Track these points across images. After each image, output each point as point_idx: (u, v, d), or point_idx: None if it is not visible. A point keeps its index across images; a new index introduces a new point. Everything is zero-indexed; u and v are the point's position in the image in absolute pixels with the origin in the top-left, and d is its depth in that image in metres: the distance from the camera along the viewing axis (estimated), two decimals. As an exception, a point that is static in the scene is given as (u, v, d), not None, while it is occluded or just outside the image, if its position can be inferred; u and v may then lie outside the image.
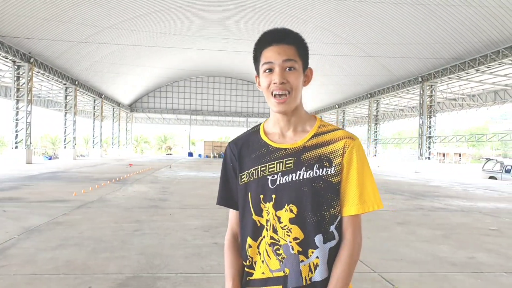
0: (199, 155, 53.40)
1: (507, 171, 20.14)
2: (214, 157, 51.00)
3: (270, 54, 1.19)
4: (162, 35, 30.29)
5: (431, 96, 26.35)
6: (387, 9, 21.38)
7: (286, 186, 1.17)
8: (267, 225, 1.18)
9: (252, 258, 1.21)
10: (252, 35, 30.68)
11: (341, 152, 1.17)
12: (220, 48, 35.73)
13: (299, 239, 1.15)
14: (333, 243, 1.16)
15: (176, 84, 54.11)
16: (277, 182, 1.18)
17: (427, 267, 4.31)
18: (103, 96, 40.59)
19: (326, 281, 1.14)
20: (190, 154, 54.67)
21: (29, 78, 24.17)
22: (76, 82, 32.63)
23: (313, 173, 1.16)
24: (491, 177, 21.30)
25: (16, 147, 24.27)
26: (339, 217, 1.17)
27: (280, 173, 1.18)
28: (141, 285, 3.54)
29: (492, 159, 25.53)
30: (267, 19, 27.92)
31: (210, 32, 31.40)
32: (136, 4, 24.21)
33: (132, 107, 54.34)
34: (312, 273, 1.14)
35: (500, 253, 5.03)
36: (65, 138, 33.00)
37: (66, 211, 7.24)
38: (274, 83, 1.18)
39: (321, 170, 1.16)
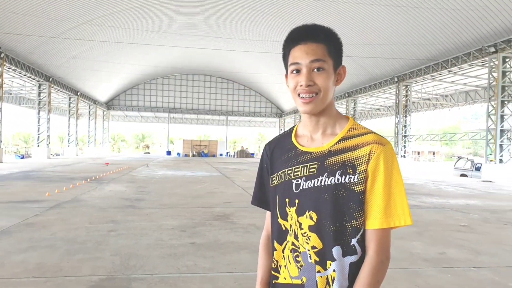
0: (178, 154, 52.94)
1: (477, 169, 20.79)
2: (193, 155, 50.66)
3: (298, 53, 1.13)
4: (140, 32, 29.85)
5: (406, 95, 27.00)
6: (365, 10, 21.73)
7: (308, 192, 1.12)
8: (290, 230, 1.15)
9: (277, 261, 1.19)
10: (232, 33, 30.64)
11: (367, 158, 1.08)
12: (199, 46, 35.51)
13: (317, 248, 1.09)
14: (353, 258, 1.08)
15: (154, 82, 53.42)
16: (301, 187, 1.13)
17: (400, 263, 4.41)
18: (79, 93, 39.70)
19: None
20: (169, 153, 54.11)
21: (-1, 75, 23.41)
22: (51, 79, 31.79)
23: (335, 180, 1.09)
24: (462, 175, 21.94)
25: (-14, 145, 23.47)
26: (362, 230, 1.09)
27: (304, 177, 1.13)
28: (115, 287, 3.49)
29: (463, 158, 26.32)
30: (247, 18, 27.95)
31: (190, 30, 31.18)
32: (115, 0, 23.77)
33: (109, 104, 53.37)
34: (330, 286, 1.08)
35: (469, 249, 5.19)
36: (39, 137, 32.12)
37: (38, 212, 7.06)
38: (301, 86, 1.13)
39: (343, 177, 1.09)
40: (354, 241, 1.08)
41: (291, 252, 1.14)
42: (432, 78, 25.25)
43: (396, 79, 26.99)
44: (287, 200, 1.16)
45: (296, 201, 1.13)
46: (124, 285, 3.53)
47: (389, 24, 22.19)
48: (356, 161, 1.09)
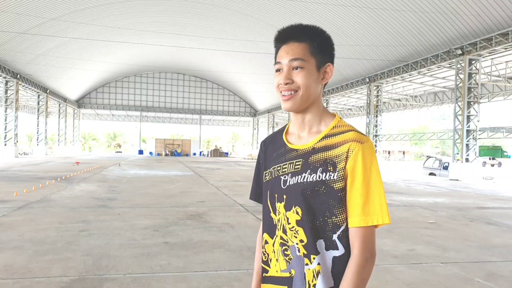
0: (150, 153, 52.17)
1: (445, 168, 21.51)
2: (166, 155, 50.07)
3: (281, 53, 1.18)
4: (111, 29, 29.26)
5: (377, 96, 27.59)
6: (336, 11, 22.08)
7: (293, 188, 1.15)
8: (278, 225, 1.18)
9: (268, 254, 1.21)
10: (206, 32, 30.46)
11: (345, 156, 1.10)
12: (172, 44, 35.13)
13: (304, 242, 1.12)
14: (336, 252, 1.11)
15: (126, 80, 52.45)
16: (288, 183, 1.16)
17: (370, 259, 4.53)
18: (48, 91, 38.47)
19: None
20: (141, 152, 53.26)
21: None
22: (18, 76, 30.68)
23: (316, 177, 1.11)
24: (431, 174, 22.66)
25: (-52, 144, 22.42)
26: (343, 227, 1.11)
27: (290, 174, 1.17)
28: (87, 287, 3.43)
29: (432, 157, 27.16)
30: (221, 17, 27.86)
31: (162, 28, 30.78)
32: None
33: (80, 103, 52.02)
34: (315, 279, 1.10)
35: (437, 245, 5.39)
36: (6, 135, 30.92)
37: (5, 212, 6.83)
38: (280, 84, 1.17)
39: (324, 174, 1.11)
40: (335, 237, 1.11)
41: (280, 246, 1.17)
42: (402, 79, 25.92)
43: (367, 80, 27.56)
44: (276, 195, 1.19)
45: (284, 196, 1.17)
46: (96, 286, 3.49)
47: (360, 25, 22.62)
48: (336, 159, 1.11)
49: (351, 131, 1.15)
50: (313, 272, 1.11)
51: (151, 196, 9.65)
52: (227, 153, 57.57)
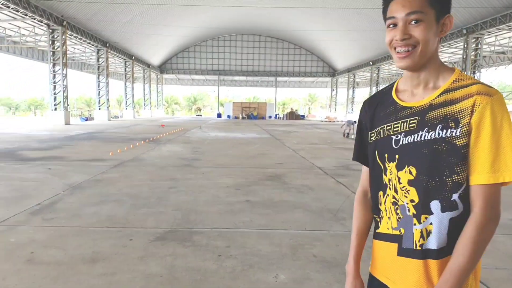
0: (228, 116, 53.66)
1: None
2: (243, 118, 51.12)
3: (394, 7, 1.09)
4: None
5: (476, 49, 24.69)
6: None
7: (407, 147, 1.10)
8: (389, 184, 1.16)
9: (381, 212, 1.22)
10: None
11: (470, 111, 1.02)
12: (248, 4, 34.83)
13: (415, 201, 1.09)
14: (454, 213, 1.05)
15: (204, 44, 53.70)
16: (400, 143, 1.12)
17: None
18: (133, 58, 41.00)
19: (443, 251, 1.07)
20: (219, 115, 55.04)
21: (63, 41, 24.69)
22: (107, 44, 33.02)
23: (435, 134, 1.06)
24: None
25: (55, 109, 25.25)
26: (465, 185, 1.04)
27: (403, 133, 1.12)
28: (178, 238, 3.75)
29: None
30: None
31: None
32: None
33: (162, 68, 54.70)
34: (424, 239, 1.08)
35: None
36: (99, 100, 33.92)
37: (105, 170, 7.60)
38: (396, 40, 1.09)
39: (444, 131, 1.05)
40: (455, 196, 1.05)
41: (392, 205, 1.16)
42: (510, 28, 22.79)
43: (464, 31, 24.62)
44: (386, 155, 1.16)
45: (396, 156, 1.13)
46: (186, 237, 3.78)
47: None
48: (459, 114, 1.04)
49: (476, 84, 1.06)
50: (421, 232, 1.08)
51: (232, 157, 10.03)
52: (303, 116, 57.02)
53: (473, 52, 24.74)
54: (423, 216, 1.08)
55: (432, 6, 1.06)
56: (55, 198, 5.22)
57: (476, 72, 24.80)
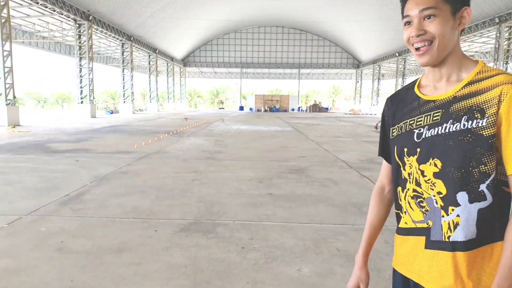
0: (250, 109, 53.74)
1: None
2: (265, 111, 51.10)
3: (409, 5, 1.12)
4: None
5: (509, 39, 23.69)
6: None
7: (431, 140, 1.11)
8: (409, 178, 1.16)
9: (402, 207, 1.22)
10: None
11: (497, 100, 1.02)
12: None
13: (442, 194, 1.09)
14: (483, 204, 1.05)
15: (226, 37, 53.72)
16: (423, 136, 1.13)
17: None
18: (157, 51, 41.49)
19: (472, 243, 1.06)
20: (241, 108, 55.18)
21: (89, 36, 25.20)
22: (132, 38, 33.51)
23: (460, 126, 1.06)
24: None
25: (82, 102, 25.89)
26: (493, 175, 1.04)
27: (427, 126, 1.13)
28: (202, 230, 3.79)
29: None
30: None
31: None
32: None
33: (185, 61, 55.14)
34: (451, 231, 1.08)
35: None
36: (124, 93, 34.56)
37: (130, 162, 7.75)
38: (412, 36, 1.11)
39: (470, 122, 1.05)
40: (483, 187, 1.05)
41: (412, 198, 1.16)
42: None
43: (497, 20, 23.69)
44: (406, 149, 1.17)
45: (418, 150, 1.13)
46: (210, 229, 3.82)
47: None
48: (485, 105, 1.04)
49: (501, 74, 1.06)
50: (449, 223, 1.08)
51: (254, 150, 10.05)
52: (326, 108, 56.50)
53: (506, 42, 23.78)
54: (450, 208, 1.08)
55: (446, 1, 1.07)
56: (82, 189, 5.36)
57: (509, 62, 23.89)
